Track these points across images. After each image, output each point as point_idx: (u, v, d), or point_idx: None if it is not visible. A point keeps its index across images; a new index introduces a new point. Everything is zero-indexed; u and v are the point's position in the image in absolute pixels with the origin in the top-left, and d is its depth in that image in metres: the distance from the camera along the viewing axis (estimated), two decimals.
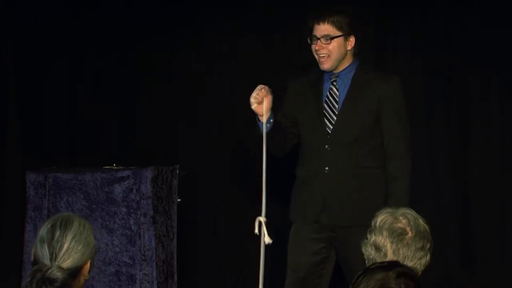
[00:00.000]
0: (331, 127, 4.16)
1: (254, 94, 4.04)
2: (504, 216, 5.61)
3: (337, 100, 4.19)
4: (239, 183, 5.98)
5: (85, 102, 6.23)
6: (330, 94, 4.21)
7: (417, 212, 2.91)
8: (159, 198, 4.99)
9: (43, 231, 2.80)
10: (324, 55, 4.14)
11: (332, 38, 4.11)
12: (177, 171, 5.20)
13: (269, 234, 3.79)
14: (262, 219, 3.80)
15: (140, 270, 4.88)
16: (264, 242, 3.79)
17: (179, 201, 5.20)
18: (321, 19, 4.13)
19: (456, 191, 5.70)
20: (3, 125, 6.15)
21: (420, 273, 2.86)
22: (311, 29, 4.18)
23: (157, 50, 6.13)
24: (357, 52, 4.24)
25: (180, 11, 6.07)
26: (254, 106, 4.05)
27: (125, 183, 4.93)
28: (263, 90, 4.03)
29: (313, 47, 4.17)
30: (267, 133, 4.01)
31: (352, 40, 4.16)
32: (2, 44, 6.17)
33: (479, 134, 5.65)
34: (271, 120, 4.06)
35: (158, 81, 6.14)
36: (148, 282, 4.88)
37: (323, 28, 4.12)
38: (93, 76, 6.28)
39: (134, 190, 4.90)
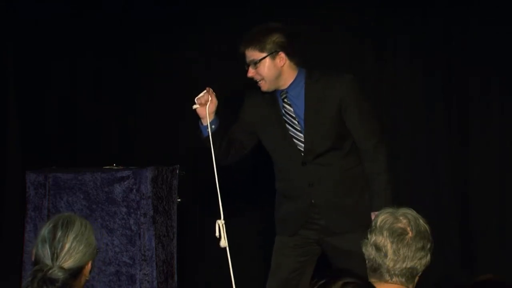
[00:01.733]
0: (303, 145, 4.09)
1: (200, 95, 4.04)
2: (504, 216, 5.61)
3: (293, 116, 4.11)
4: (239, 183, 5.98)
5: (85, 102, 6.24)
6: (286, 112, 4.13)
7: (417, 212, 2.91)
8: (159, 198, 4.98)
9: (44, 231, 2.80)
10: (258, 79, 4.07)
11: (257, 62, 4.03)
12: (177, 171, 5.19)
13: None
14: (220, 222, 3.82)
15: (140, 270, 4.88)
16: (220, 245, 3.82)
17: (179, 201, 5.20)
18: (243, 46, 4.06)
19: (456, 191, 5.70)
20: (3, 125, 6.15)
21: (420, 273, 2.86)
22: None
23: (157, 50, 6.13)
24: (299, 63, 4.12)
25: (180, 11, 6.08)
26: (195, 107, 4.05)
27: (125, 183, 4.92)
28: (208, 93, 4.03)
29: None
30: (209, 137, 4.03)
31: (282, 56, 4.04)
32: (2, 44, 6.17)
33: (479, 134, 5.66)
34: (213, 126, 4.04)
35: (158, 81, 6.14)
36: (148, 282, 4.88)
37: (248, 55, 4.05)
38: (93, 76, 6.28)
39: (134, 190, 4.90)
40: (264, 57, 4.02)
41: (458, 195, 5.70)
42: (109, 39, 6.17)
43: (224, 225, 3.82)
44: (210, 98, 4.05)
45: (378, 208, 3.72)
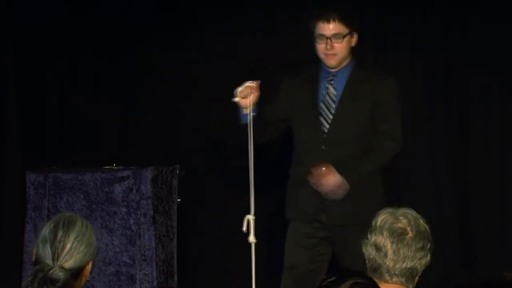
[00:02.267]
0: (328, 126, 4.14)
1: (240, 89, 4.04)
2: (504, 216, 5.62)
3: (334, 99, 4.16)
4: (239, 183, 5.97)
5: (85, 102, 6.24)
6: (327, 93, 4.17)
7: (417, 212, 2.91)
8: (159, 198, 4.98)
9: (45, 231, 2.80)
10: (334, 53, 4.11)
11: (344, 36, 4.08)
12: (177, 171, 5.20)
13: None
14: (250, 217, 3.82)
15: (140, 270, 4.88)
16: (249, 240, 3.82)
17: (179, 201, 5.20)
18: (330, 17, 4.07)
19: (456, 191, 5.70)
20: (3, 125, 6.15)
21: (420, 273, 2.86)
22: (314, 27, 4.14)
23: (157, 50, 6.13)
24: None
25: (180, 11, 6.08)
26: (237, 99, 4.05)
27: (125, 183, 4.92)
28: (251, 86, 4.02)
29: (321, 46, 4.12)
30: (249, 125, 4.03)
31: (356, 37, 4.14)
32: (2, 44, 6.17)
33: (479, 134, 5.66)
34: (253, 114, 4.04)
35: (158, 81, 6.14)
36: (148, 282, 4.88)
37: (333, 27, 4.07)
38: (93, 76, 6.28)
39: (134, 190, 4.90)
40: (349, 33, 4.09)
41: (458, 195, 5.70)
42: (109, 39, 6.17)
43: (254, 220, 3.82)
44: (251, 92, 4.04)
45: (344, 169, 3.92)
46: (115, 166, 5.16)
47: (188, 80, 6.08)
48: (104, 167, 5.11)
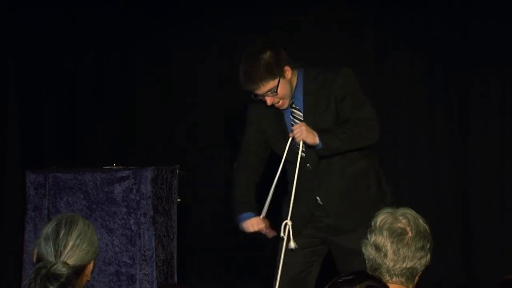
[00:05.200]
0: (303, 148, 4.05)
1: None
2: (504, 216, 5.62)
3: (301, 119, 4.09)
4: None
5: (85, 102, 6.24)
6: (295, 118, 4.10)
7: (417, 212, 2.91)
8: (159, 198, 4.98)
9: (47, 229, 2.80)
10: (278, 101, 4.02)
11: (276, 89, 3.96)
12: (177, 171, 5.20)
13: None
14: (288, 222, 3.82)
15: (140, 270, 4.88)
16: (289, 246, 3.82)
17: (179, 201, 5.21)
18: (255, 85, 3.95)
19: (456, 191, 5.70)
20: (3, 125, 6.15)
21: (420, 273, 2.86)
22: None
23: (156, 49, 6.13)
24: (292, 62, 4.04)
25: (180, 10, 6.08)
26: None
27: (125, 183, 4.92)
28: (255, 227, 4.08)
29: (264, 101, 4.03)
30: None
31: (287, 68, 3.98)
32: (2, 44, 6.17)
33: (479, 134, 5.66)
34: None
35: (158, 81, 6.14)
36: (148, 282, 4.88)
37: (262, 89, 3.95)
38: (93, 76, 6.28)
39: (134, 190, 4.90)
40: (278, 79, 3.95)
41: (458, 195, 5.70)
42: (109, 39, 6.18)
43: (292, 226, 3.82)
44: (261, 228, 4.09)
45: (323, 135, 3.83)
46: (115, 166, 5.16)
47: (188, 80, 6.08)
48: (104, 167, 5.11)
